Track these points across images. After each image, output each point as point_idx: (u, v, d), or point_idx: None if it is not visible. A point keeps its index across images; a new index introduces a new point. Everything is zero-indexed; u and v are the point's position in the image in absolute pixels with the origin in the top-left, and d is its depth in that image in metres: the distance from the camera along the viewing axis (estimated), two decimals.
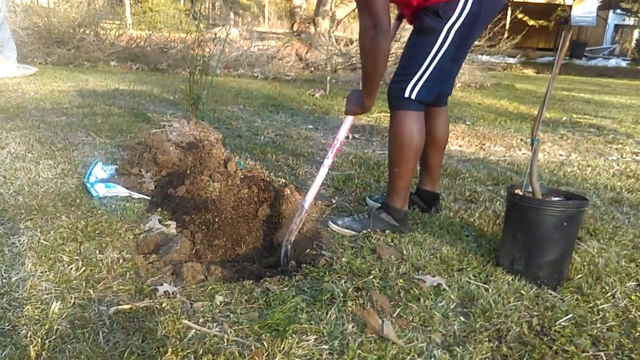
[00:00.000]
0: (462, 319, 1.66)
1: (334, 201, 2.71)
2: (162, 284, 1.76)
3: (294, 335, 1.51)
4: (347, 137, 4.43)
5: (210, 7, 27.35)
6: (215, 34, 9.04)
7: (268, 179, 2.82)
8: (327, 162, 2.27)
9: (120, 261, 1.91)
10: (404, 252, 2.10)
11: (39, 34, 9.09)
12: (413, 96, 2.17)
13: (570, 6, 1.84)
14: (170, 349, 1.42)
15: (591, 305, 1.76)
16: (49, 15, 9.31)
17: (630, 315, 1.71)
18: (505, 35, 11.86)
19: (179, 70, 8.55)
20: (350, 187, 2.95)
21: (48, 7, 10.23)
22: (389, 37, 2.06)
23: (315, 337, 1.52)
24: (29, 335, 1.46)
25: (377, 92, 2.21)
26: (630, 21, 24.00)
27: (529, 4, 20.85)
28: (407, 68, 2.20)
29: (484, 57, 11.62)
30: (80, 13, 9.63)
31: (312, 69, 10.33)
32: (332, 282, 1.84)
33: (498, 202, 2.77)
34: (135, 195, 2.54)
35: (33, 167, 2.83)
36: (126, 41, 10.01)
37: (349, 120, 2.30)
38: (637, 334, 1.62)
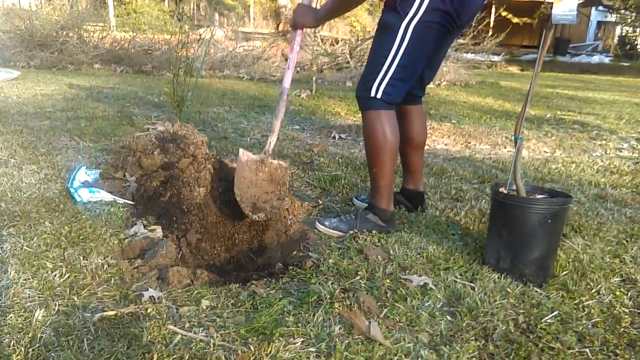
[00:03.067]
0: (448, 318, 1.67)
1: (320, 202, 2.71)
2: (147, 289, 1.74)
3: (280, 338, 1.50)
4: (334, 138, 4.43)
5: (195, 8, 27.24)
6: (200, 35, 9.00)
7: None
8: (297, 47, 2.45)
9: (105, 267, 1.89)
10: (391, 252, 2.10)
11: (21, 37, 8.98)
12: (379, 95, 2.16)
13: (552, 4, 1.85)
14: (156, 355, 1.40)
15: (576, 301, 1.77)
16: (31, 18, 9.19)
17: (615, 311, 1.73)
18: (490, 33, 11.94)
19: (164, 72, 8.50)
20: (336, 188, 2.95)
21: (30, 9, 10.13)
22: None
23: (302, 339, 1.51)
24: (12, 344, 1.44)
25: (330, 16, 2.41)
26: (612, 18, 24.25)
27: (512, 1, 20.98)
28: (371, 67, 2.20)
29: (469, 55, 11.70)
30: (62, 15, 9.52)
31: (298, 69, 10.31)
32: (319, 283, 1.84)
33: (484, 201, 2.78)
34: (120, 200, 2.51)
35: (16, 173, 2.80)
36: (110, 43, 9.92)
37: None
38: (622, 329, 1.63)
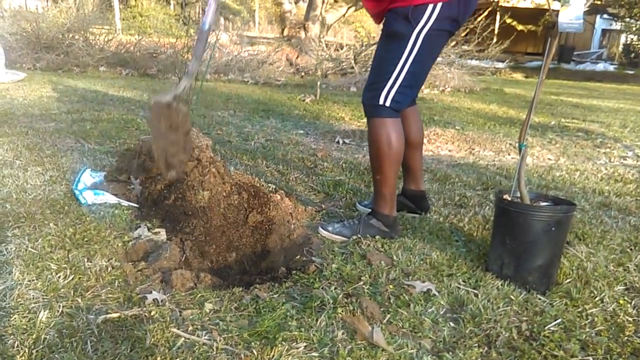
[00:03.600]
0: (451, 324, 1.66)
1: (324, 207, 2.71)
2: (151, 292, 1.75)
3: (283, 342, 1.50)
4: (338, 143, 4.44)
5: (200, 12, 27.33)
6: None
7: (258, 185, 2.81)
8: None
9: (109, 269, 1.90)
10: (394, 257, 2.10)
11: (28, 40, 9.02)
12: (387, 103, 2.16)
13: (558, 11, 1.84)
14: (159, 358, 1.41)
15: (580, 309, 1.77)
16: (37, 21, 9.24)
17: (619, 320, 1.72)
18: (494, 40, 11.93)
19: (169, 76, 8.52)
20: (340, 193, 2.95)
21: (36, 12, 10.18)
22: None
23: (305, 344, 1.51)
24: (16, 345, 1.44)
25: None
26: (617, 26, 24.24)
27: (517, 9, 20.98)
28: (379, 75, 2.19)
29: (473, 62, 11.68)
30: (69, 18, 9.57)
31: (303, 74, 10.35)
32: (322, 288, 1.84)
33: (487, 207, 2.78)
34: (124, 202, 2.52)
35: (21, 174, 2.81)
36: (115, 46, 9.96)
37: None
38: (625, 338, 1.63)
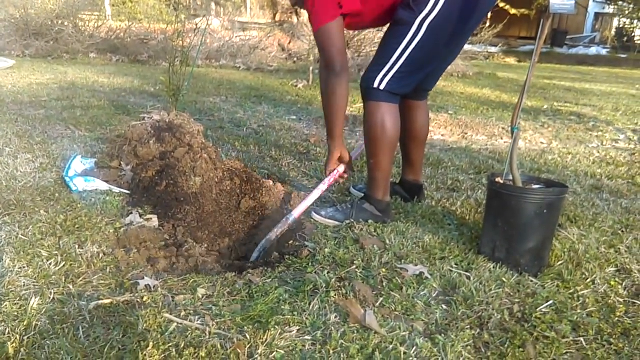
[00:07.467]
0: (444, 307, 1.67)
1: None
2: (143, 278, 1.74)
3: (276, 326, 1.50)
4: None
5: None
6: (196, 24, 8.95)
7: (251, 171, 2.80)
8: (323, 187, 2.32)
9: (101, 255, 1.89)
10: (387, 241, 2.10)
11: (16, 26, 8.92)
12: (382, 87, 2.16)
13: None
14: (151, 343, 1.40)
15: (571, 291, 1.78)
16: (25, 7, 9.12)
17: (610, 301, 1.73)
18: (487, 24, 11.88)
19: (160, 62, 8.46)
20: None
21: None
22: (344, 79, 2.10)
23: (298, 328, 1.52)
24: (7, 331, 1.43)
25: (340, 134, 2.24)
26: (610, 9, 24.19)
27: None
28: (378, 59, 2.19)
29: (466, 46, 11.63)
30: (58, 4, 9.45)
31: (295, 59, 10.27)
32: (315, 272, 1.84)
33: (480, 191, 2.78)
34: (115, 189, 2.50)
35: (11, 162, 2.78)
36: (105, 32, 9.86)
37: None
38: (616, 319, 1.64)
